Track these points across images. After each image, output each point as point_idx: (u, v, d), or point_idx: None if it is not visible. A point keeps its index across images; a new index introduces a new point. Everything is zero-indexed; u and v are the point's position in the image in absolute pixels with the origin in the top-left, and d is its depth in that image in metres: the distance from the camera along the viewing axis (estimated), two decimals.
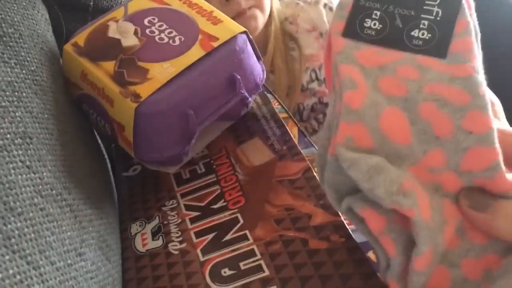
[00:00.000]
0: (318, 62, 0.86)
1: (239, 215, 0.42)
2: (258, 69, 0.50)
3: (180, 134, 0.44)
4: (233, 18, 0.52)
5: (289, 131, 0.49)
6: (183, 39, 0.46)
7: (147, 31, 0.47)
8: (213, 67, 0.45)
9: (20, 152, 0.35)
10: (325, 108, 0.88)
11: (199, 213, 0.44)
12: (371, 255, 0.37)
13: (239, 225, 0.42)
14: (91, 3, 0.56)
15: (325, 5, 0.88)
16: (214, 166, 0.49)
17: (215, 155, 0.50)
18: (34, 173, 0.36)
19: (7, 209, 0.32)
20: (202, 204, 0.45)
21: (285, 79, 0.85)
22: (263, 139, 0.49)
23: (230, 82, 0.46)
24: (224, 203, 0.44)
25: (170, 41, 0.46)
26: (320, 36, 0.88)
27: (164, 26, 0.47)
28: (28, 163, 0.36)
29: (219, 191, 0.46)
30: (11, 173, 0.34)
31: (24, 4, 0.44)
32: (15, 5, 0.43)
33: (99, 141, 0.54)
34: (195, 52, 0.45)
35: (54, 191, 0.37)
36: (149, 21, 0.48)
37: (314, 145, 0.53)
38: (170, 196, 0.47)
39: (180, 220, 0.44)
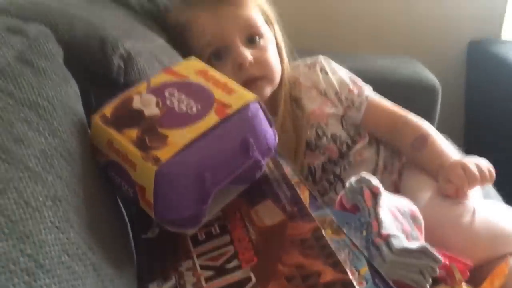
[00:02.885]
0: (322, 118, 0.90)
1: (251, 274, 0.44)
2: (270, 133, 0.54)
3: (197, 195, 0.47)
4: (243, 84, 0.57)
5: (300, 194, 0.52)
6: (199, 107, 0.51)
7: (167, 101, 0.51)
8: (227, 132, 0.49)
9: (50, 213, 0.39)
10: (334, 167, 0.90)
11: (214, 272, 0.46)
12: None
13: (251, 283, 0.43)
14: (122, 80, 0.62)
15: (321, 69, 0.94)
16: (229, 228, 0.51)
17: (230, 216, 0.52)
18: (62, 233, 0.39)
19: (37, 266, 0.35)
20: (217, 264, 0.47)
21: (293, 139, 0.89)
22: (275, 201, 0.51)
23: (243, 146, 0.50)
24: (238, 263, 0.46)
25: (188, 110, 0.50)
26: (321, 93, 0.92)
27: (183, 97, 0.52)
28: (57, 223, 0.39)
29: (233, 251, 0.48)
30: (42, 232, 0.37)
31: (58, 80, 0.49)
32: (50, 81, 0.48)
33: (121, 205, 0.57)
34: (211, 119, 0.49)
35: (79, 251, 0.40)
36: (169, 93, 0.52)
37: (327, 207, 0.55)
38: (187, 256, 0.50)
39: (195, 280, 0.46)
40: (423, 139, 0.88)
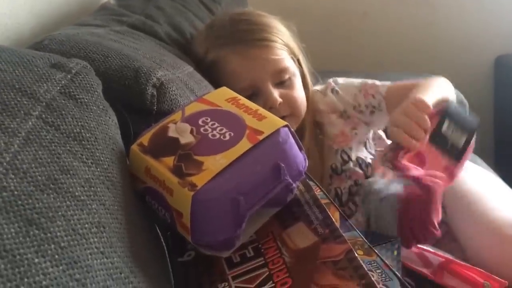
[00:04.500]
0: (345, 142, 0.91)
1: None
2: (300, 157, 0.55)
3: (232, 218, 0.49)
4: None
5: (331, 215, 0.53)
6: (232, 134, 0.53)
7: (201, 129, 0.54)
8: (259, 157, 0.51)
9: (96, 239, 0.41)
10: (360, 189, 0.91)
11: None
12: None
13: None
14: (155, 107, 0.65)
15: (332, 90, 0.96)
16: (262, 250, 0.52)
17: (263, 239, 0.54)
18: (107, 258, 0.41)
19: None
20: (252, 286, 0.48)
21: (318, 165, 0.90)
22: (307, 223, 0.53)
23: (275, 170, 0.51)
24: (273, 285, 0.47)
25: (221, 137, 0.53)
26: (341, 116, 0.94)
27: (216, 125, 0.54)
28: (102, 249, 0.41)
29: (267, 273, 0.49)
30: (88, 258, 0.39)
31: (98, 112, 0.52)
32: (91, 113, 0.51)
33: (158, 229, 0.59)
34: (243, 145, 0.51)
35: (122, 275, 0.42)
36: (203, 121, 0.55)
37: (356, 229, 0.56)
38: (222, 279, 0.51)
39: None
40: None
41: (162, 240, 0.59)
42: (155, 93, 0.67)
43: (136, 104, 0.66)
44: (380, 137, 1.01)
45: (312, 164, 0.90)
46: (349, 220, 0.85)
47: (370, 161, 0.92)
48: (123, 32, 0.85)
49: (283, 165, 0.51)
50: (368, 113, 0.93)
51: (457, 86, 1.39)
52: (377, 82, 0.95)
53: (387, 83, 0.95)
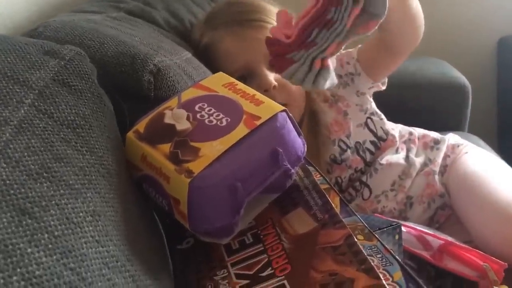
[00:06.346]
0: (342, 131, 0.90)
1: (286, 282, 0.45)
2: (299, 143, 0.54)
3: (229, 205, 0.48)
4: None
5: (331, 201, 0.52)
6: (229, 120, 0.52)
7: (198, 115, 0.53)
8: (256, 142, 0.50)
9: (90, 228, 0.41)
10: (361, 175, 0.90)
11: (249, 281, 0.47)
12: None
13: None
14: (152, 94, 0.64)
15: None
16: (261, 236, 0.52)
17: (262, 225, 0.53)
18: (102, 247, 0.41)
19: (79, 279, 0.37)
20: (251, 272, 0.48)
21: (315, 154, 0.89)
22: (306, 209, 0.52)
23: (273, 155, 0.50)
24: (272, 271, 0.47)
25: (218, 123, 0.52)
26: (331, 105, 0.92)
27: (213, 110, 0.53)
28: (97, 238, 0.41)
29: (266, 259, 0.49)
30: (83, 247, 0.39)
31: (93, 99, 0.51)
32: (85, 100, 0.50)
33: (156, 217, 0.59)
34: (240, 131, 0.50)
35: (119, 263, 0.42)
36: (200, 107, 0.54)
37: (356, 214, 0.56)
38: (221, 265, 0.51)
39: None
40: None
41: (161, 227, 0.58)
42: (152, 79, 0.66)
43: (133, 91, 0.65)
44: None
45: (309, 155, 0.89)
46: (349, 205, 0.85)
47: (368, 144, 0.91)
48: (120, 18, 0.84)
49: (281, 150, 0.50)
50: (350, 82, 0.91)
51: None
52: (351, 49, 0.93)
53: (359, 45, 0.93)
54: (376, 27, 0.55)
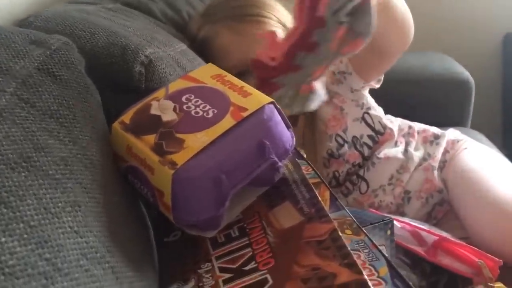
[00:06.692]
0: (338, 126, 0.89)
1: (268, 276, 0.44)
2: (287, 135, 0.53)
3: (214, 198, 0.47)
4: None
5: (318, 195, 0.51)
6: (216, 111, 0.51)
7: (185, 106, 0.52)
8: (243, 134, 0.49)
9: (69, 218, 0.40)
10: (359, 169, 0.89)
11: (232, 274, 0.47)
12: None
13: (268, 285, 0.43)
14: (143, 85, 0.63)
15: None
16: (247, 230, 0.51)
17: (249, 219, 0.53)
18: (81, 237, 0.40)
19: (55, 270, 0.36)
20: (235, 266, 0.47)
21: (312, 150, 0.88)
22: (293, 202, 0.51)
23: (259, 148, 0.50)
24: (255, 265, 0.46)
25: (204, 114, 0.51)
26: (329, 99, 0.91)
27: (200, 102, 0.53)
28: (76, 228, 0.40)
29: (250, 253, 0.48)
30: (60, 237, 0.38)
31: (79, 89, 0.51)
32: (70, 90, 0.50)
33: (143, 209, 0.58)
34: (226, 122, 0.50)
35: (98, 254, 0.41)
36: (186, 98, 0.53)
37: (345, 208, 0.55)
38: (206, 259, 0.50)
39: (214, 282, 0.47)
40: None
41: (148, 220, 0.58)
42: (143, 71, 0.66)
43: (123, 82, 0.64)
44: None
45: (306, 150, 0.88)
46: (344, 200, 0.84)
47: (366, 139, 0.90)
48: (116, 9, 0.84)
49: (267, 143, 0.50)
50: (343, 79, 0.90)
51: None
52: None
53: None
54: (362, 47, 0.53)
